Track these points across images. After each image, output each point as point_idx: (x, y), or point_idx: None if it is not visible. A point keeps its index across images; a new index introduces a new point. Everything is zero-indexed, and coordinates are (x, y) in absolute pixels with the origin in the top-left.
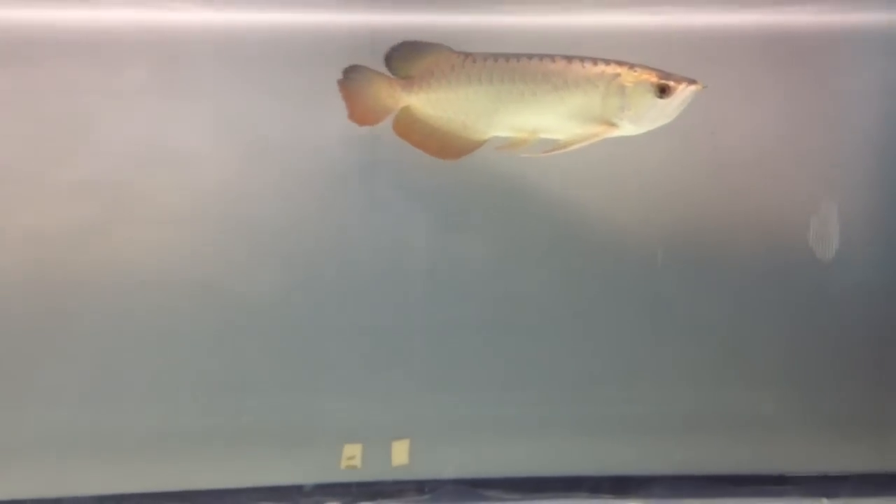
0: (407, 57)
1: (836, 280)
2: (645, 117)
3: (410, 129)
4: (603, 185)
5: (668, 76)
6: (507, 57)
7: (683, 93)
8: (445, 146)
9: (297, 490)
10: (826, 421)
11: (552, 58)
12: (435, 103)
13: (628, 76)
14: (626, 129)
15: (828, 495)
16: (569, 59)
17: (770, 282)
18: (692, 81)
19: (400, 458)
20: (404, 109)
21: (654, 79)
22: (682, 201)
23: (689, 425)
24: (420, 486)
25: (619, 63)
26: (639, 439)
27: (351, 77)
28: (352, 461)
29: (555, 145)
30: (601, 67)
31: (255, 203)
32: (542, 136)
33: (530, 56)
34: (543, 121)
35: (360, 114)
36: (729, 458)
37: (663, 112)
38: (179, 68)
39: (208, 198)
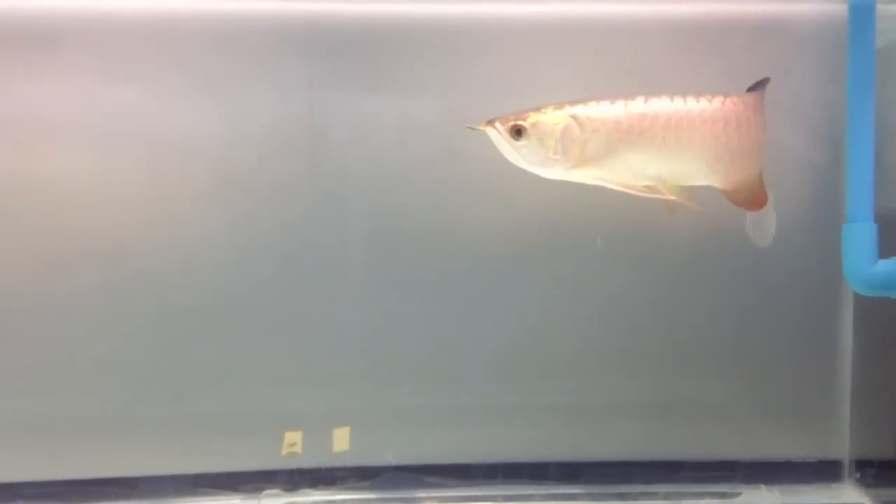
0: None
1: (775, 268)
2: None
3: None
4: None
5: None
6: None
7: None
8: None
9: (237, 477)
10: (764, 408)
11: None
12: None
13: None
14: None
15: (765, 482)
16: None
17: (708, 270)
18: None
19: (341, 445)
20: None
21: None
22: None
23: (628, 413)
24: (361, 473)
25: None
26: (580, 427)
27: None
28: (293, 448)
29: None
30: None
31: (191, 196)
32: None
33: None
34: None
35: None
36: (667, 445)
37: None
38: (115, 54)
39: (144, 190)
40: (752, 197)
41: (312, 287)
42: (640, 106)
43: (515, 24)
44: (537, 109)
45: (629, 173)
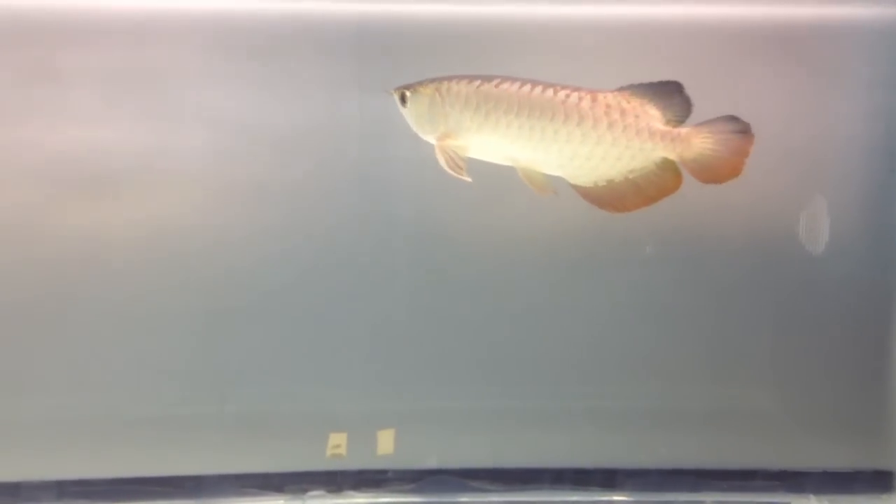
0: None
1: (826, 275)
2: None
3: None
4: None
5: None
6: None
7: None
8: None
9: (281, 478)
10: (813, 417)
11: None
12: None
13: None
14: None
15: (814, 492)
16: None
17: (759, 276)
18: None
19: (385, 447)
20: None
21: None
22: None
23: (676, 420)
24: (405, 476)
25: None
26: (626, 434)
27: None
28: (337, 450)
29: None
30: None
31: (236, 197)
32: None
33: None
34: None
35: None
36: (716, 452)
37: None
38: (161, 55)
39: (191, 189)
40: (604, 200)
41: (359, 288)
42: (489, 88)
43: (571, 25)
44: (430, 81)
45: (490, 152)
